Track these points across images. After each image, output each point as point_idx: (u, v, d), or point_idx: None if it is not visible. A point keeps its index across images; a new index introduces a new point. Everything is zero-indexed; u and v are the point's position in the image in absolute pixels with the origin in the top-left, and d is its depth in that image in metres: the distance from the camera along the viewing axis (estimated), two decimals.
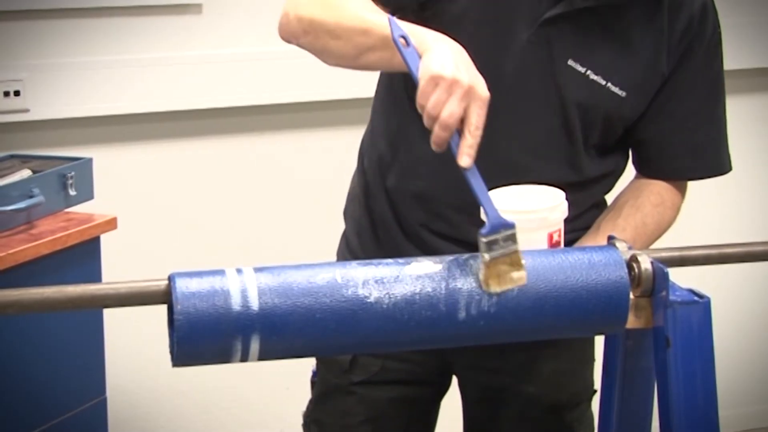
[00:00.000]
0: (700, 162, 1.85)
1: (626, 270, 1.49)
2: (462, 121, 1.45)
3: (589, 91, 1.74)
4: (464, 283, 1.44)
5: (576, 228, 1.79)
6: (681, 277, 1.51)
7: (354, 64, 1.67)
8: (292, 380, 3.15)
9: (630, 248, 1.52)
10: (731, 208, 3.53)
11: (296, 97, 3.05)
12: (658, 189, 1.85)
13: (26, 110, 2.81)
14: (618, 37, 1.74)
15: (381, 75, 1.92)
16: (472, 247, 1.48)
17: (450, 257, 1.48)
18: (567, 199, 1.62)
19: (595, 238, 1.77)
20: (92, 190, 2.53)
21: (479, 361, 1.88)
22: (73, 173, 2.48)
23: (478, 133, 1.44)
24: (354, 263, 1.44)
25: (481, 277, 1.42)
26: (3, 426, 2.29)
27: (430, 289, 1.43)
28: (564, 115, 1.76)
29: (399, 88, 1.84)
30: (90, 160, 2.54)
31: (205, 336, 1.35)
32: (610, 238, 1.56)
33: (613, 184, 1.89)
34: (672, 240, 1.65)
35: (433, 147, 1.46)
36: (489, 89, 1.53)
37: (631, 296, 1.49)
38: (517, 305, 1.45)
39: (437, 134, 1.44)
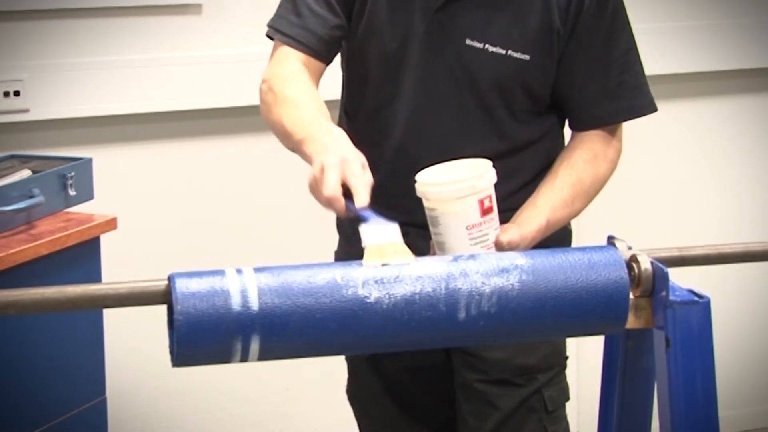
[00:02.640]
0: (618, 105, 1.94)
1: (626, 270, 1.49)
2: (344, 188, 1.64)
3: (493, 63, 1.88)
4: (464, 283, 1.44)
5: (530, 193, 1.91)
6: (681, 277, 1.51)
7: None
8: (292, 380, 3.15)
9: (630, 248, 1.52)
10: (731, 208, 3.53)
11: None
12: (590, 144, 1.93)
13: (26, 110, 2.81)
14: (507, 5, 1.87)
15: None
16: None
17: (450, 257, 1.48)
18: (501, 166, 1.73)
19: (534, 202, 1.87)
20: (92, 190, 2.53)
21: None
22: (72, 173, 2.48)
23: (360, 186, 1.63)
24: (354, 263, 1.44)
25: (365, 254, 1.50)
26: (3, 426, 2.29)
27: (430, 290, 1.43)
28: (478, 92, 1.90)
29: (348, 88, 2.05)
30: (90, 161, 2.54)
31: (204, 336, 1.35)
32: (610, 238, 1.56)
33: (553, 145, 1.99)
34: (672, 240, 1.65)
35: (342, 217, 1.70)
36: (402, 83, 1.90)
37: (631, 296, 1.49)
38: (517, 305, 1.45)
39: (335, 210, 1.64)
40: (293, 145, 1.81)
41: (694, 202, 3.48)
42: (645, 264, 1.48)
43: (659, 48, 3.21)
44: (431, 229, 1.70)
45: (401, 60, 1.91)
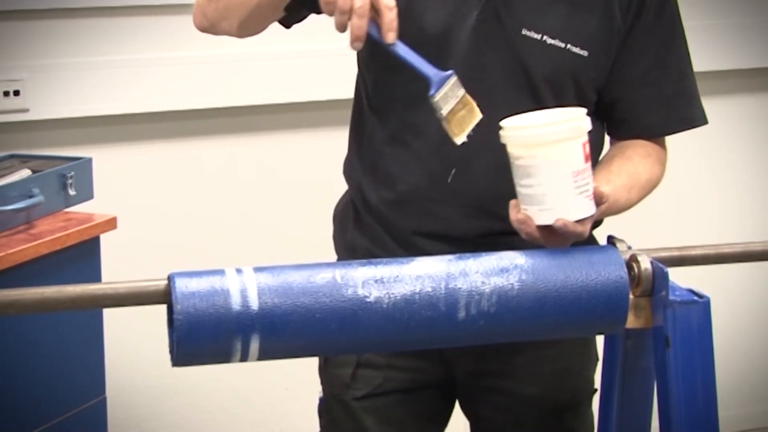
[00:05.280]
0: (672, 114, 1.83)
1: (626, 270, 1.49)
2: (372, 6, 1.53)
3: (551, 56, 1.73)
4: (464, 283, 1.44)
5: None
6: (681, 277, 1.51)
7: (252, 10, 1.71)
8: (292, 380, 3.15)
9: (630, 248, 1.53)
10: (731, 208, 3.53)
11: (296, 97, 3.05)
12: (643, 143, 1.82)
13: (26, 110, 2.80)
14: None
15: (354, 99, 1.91)
16: (470, 244, 1.48)
17: (450, 257, 1.48)
18: None
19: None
20: (92, 189, 2.53)
21: (479, 366, 1.85)
22: (72, 173, 2.48)
23: (393, 8, 1.54)
24: (354, 263, 1.44)
25: (447, 131, 1.52)
26: (3, 426, 2.29)
27: (429, 289, 1.43)
28: (532, 87, 1.74)
29: (364, 104, 1.85)
30: (90, 160, 2.54)
31: (204, 336, 1.36)
32: (610, 238, 1.56)
33: (595, 149, 1.83)
34: (672, 240, 1.65)
35: (353, 43, 1.55)
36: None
37: (631, 296, 1.49)
38: (517, 305, 1.45)
39: (355, 25, 1.52)
40: None
41: (694, 202, 3.48)
42: (645, 264, 1.48)
43: None
44: (524, 181, 1.54)
45: (444, 47, 1.72)
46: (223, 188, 3.06)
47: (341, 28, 1.54)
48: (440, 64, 1.63)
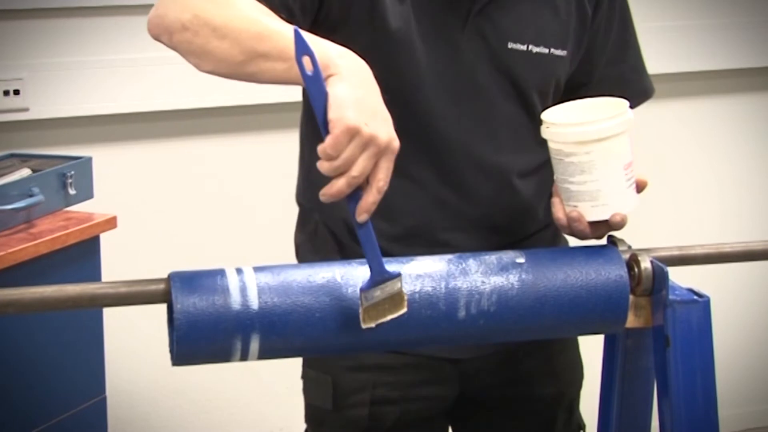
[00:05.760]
0: (632, 89, 1.81)
1: (626, 269, 1.49)
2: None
3: (537, 64, 1.70)
4: (464, 282, 1.44)
5: (542, 185, 1.77)
6: (681, 277, 1.51)
7: (237, 71, 1.48)
8: (292, 380, 3.15)
9: (630, 247, 1.53)
10: (731, 207, 3.53)
11: (297, 96, 3.04)
12: None
13: (26, 109, 2.80)
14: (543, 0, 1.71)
15: (303, 115, 1.81)
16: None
17: (449, 256, 1.48)
18: (546, 175, 1.63)
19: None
20: (92, 189, 2.53)
21: (494, 378, 1.82)
22: (72, 172, 2.48)
23: (384, 187, 1.36)
24: (354, 262, 1.44)
25: (359, 313, 1.38)
26: (3, 425, 2.29)
27: (429, 288, 1.43)
28: (523, 98, 1.71)
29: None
30: (89, 160, 2.54)
31: (204, 335, 1.35)
32: (610, 238, 1.56)
33: None
34: (672, 239, 1.65)
35: (325, 197, 1.35)
36: (437, 98, 1.58)
37: (631, 295, 1.49)
38: (517, 304, 1.45)
39: (340, 188, 1.34)
40: (268, 47, 1.43)
41: (694, 201, 3.48)
42: (645, 263, 1.48)
43: (659, 47, 3.21)
44: (575, 178, 1.52)
45: (433, 72, 1.65)
46: (223, 188, 3.06)
47: (329, 173, 1.34)
48: (431, 89, 1.60)
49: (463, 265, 1.46)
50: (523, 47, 1.69)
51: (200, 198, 3.04)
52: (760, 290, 3.61)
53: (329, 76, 1.35)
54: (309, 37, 1.36)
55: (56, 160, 2.52)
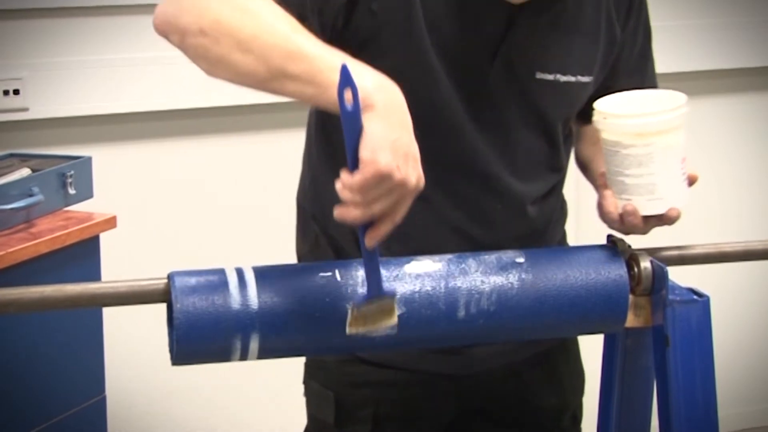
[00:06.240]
0: None
1: (626, 269, 1.49)
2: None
3: (564, 94, 1.66)
4: (463, 282, 1.44)
5: (550, 210, 1.76)
6: (681, 276, 1.51)
7: (258, 86, 1.42)
8: (292, 380, 3.15)
9: (629, 247, 1.53)
10: (731, 207, 3.53)
11: None
12: None
13: (26, 109, 2.80)
14: (571, 25, 1.65)
15: (314, 118, 1.75)
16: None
17: (449, 256, 1.48)
18: (553, 200, 1.64)
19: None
20: (91, 188, 2.53)
21: (497, 390, 1.80)
22: (72, 172, 2.48)
23: (399, 221, 1.33)
24: (354, 262, 1.44)
25: (348, 318, 1.38)
26: (3, 425, 2.29)
27: (429, 288, 1.43)
28: (546, 127, 1.68)
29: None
30: (89, 159, 2.54)
31: (204, 334, 1.35)
32: (610, 237, 1.56)
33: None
34: (672, 239, 1.65)
35: (338, 217, 1.31)
36: (458, 124, 1.55)
37: (631, 295, 1.49)
38: (517, 304, 1.45)
39: (356, 218, 1.30)
40: (299, 70, 1.35)
41: (694, 200, 3.47)
42: (645, 263, 1.48)
43: (658, 46, 3.19)
44: (632, 171, 1.49)
45: (456, 103, 1.60)
46: (223, 187, 3.06)
47: (349, 202, 1.30)
48: (453, 115, 1.58)
49: (463, 264, 1.46)
50: (551, 77, 1.64)
51: (200, 198, 3.04)
52: (759, 290, 3.61)
53: (366, 110, 1.30)
54: (348, 61, 1.33)
55: (56, 160, 2.52)
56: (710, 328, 1.47)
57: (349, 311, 1.38)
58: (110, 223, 2.47)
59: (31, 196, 2.38)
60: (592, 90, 1.70)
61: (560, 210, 1.80)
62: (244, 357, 1.38)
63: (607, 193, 1.55)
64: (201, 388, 3.11)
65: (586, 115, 1.69)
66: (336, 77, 1.28)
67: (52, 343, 2.38)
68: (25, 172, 2.47)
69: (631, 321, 1.50)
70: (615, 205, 1.54)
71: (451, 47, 1.58)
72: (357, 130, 1.29)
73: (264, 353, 1.39)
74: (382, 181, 1.28)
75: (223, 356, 1.38)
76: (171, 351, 1.38)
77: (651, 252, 1.52)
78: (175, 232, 3.01)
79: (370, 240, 1.33)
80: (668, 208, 1.51)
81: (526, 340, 1.70)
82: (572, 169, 1.80)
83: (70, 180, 2.47)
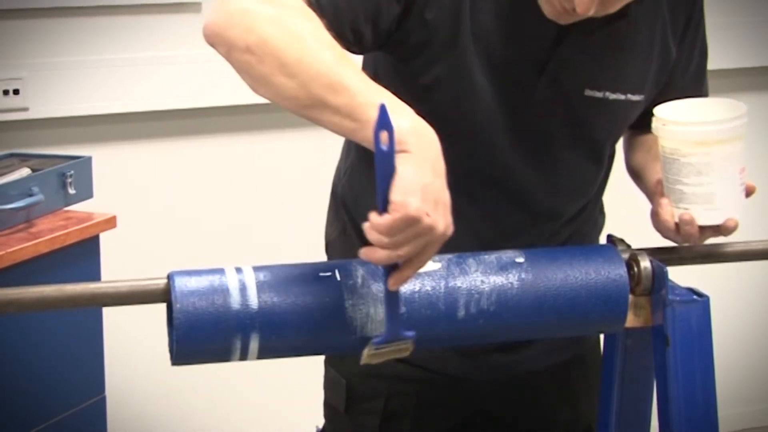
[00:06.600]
0: None
1: (625, 269, 1.49)
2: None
3: (613, 112, 1.64)
4: (463, 282, 1.44)
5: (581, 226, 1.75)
6: (681, 276, 1.51)
7: (298, 112, 1.41)
8: (292, 380, 3.15)
9: (629, 247, 1.53)
10: None
11: None
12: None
13: (25, 109, 2.81)
14: (624, 44, 1.63)
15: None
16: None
17: (449, 255, 1.47)
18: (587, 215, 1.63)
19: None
20: (91, 188, 2.53)
21: (510, 399, 1.79)
22: (72, 172, 2.48)
23: (421, 267, 1.33)
24: (354, 261, 1.44)
25: (363, 352, 1.39)
26: (2, 424, 2.29)
27: (429, 288, 1.43)
28: (593, 146, 1.66)
29: None
30: (89, 159, 2.54)
31: (204, 334, 1.35)
32: (610, 237, 1.56)
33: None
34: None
35: (364, 256, 1.30)
36: (499, 139, 1.54)
37: (631, 295, 1.49)
38: (517, 304, 1.45)
39: (380, 259, 1.29)
40: (340, 102, 1.35)
41: None
42: (644, 263, 1.48)
43: None
44: (690, 179, 1.48)
45: (498, 118, 1.58)
46: (223, 187, 3.06)
47: (375, 244, 1.29)
48: (495, 131, 1.57)
49: (463, 264, 1.46)
50: (600, 94, 1.61)
51: (200, 198, 3.04)
52: (759, 290, 3.61)
53: (400, 151, 1.29)
54: (386, 97, 1.33)
55: (56, 160, 2.53)
56: (710, 328, 1.47)
57: (366, 349, 1.38)
58: (110, 223, 2.47)
59: (31, 195, 2.39)
60: (643, 108, 1.67)
61: (593, 224, 1.78)
62: (243, 357, 1.38)
63: (664, 201, 1.54)
64: (201, 388, 3.11)
65: (639, 124, 1.69)
66: (374, 113, 1.28)
67: (52, 343, 2.38)
68: (25, 171, 2.47)
69: (631, 321, 1.50)
70: (672, 213, 1.53)
71: (497, 60, 1.56)
72: (389, 171, 1.28)
73: (264, 353, 1.39)
74: (411, 225, 1.27)
75: (223, 356, 1.38)
76: (171, 351, 1.38)
77: (651, 252, 1.52)
78: (175, 232, 3.01)
79: (394, 283, 1.33)
80: (726, 218, 1.51)
81: (525, 340, 1.70)
82: None
83: (70, 180, 2.47)
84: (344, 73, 1.36)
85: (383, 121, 1.27)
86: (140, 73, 2.89)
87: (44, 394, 2.38)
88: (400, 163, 1.29)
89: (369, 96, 1.34)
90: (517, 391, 1.78)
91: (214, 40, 1.45)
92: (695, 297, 1.47)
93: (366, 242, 1.67)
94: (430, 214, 1.28)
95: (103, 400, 2.51)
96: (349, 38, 1.48)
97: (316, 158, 3.09)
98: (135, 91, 2.90)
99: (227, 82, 2.98)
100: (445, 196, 1.32)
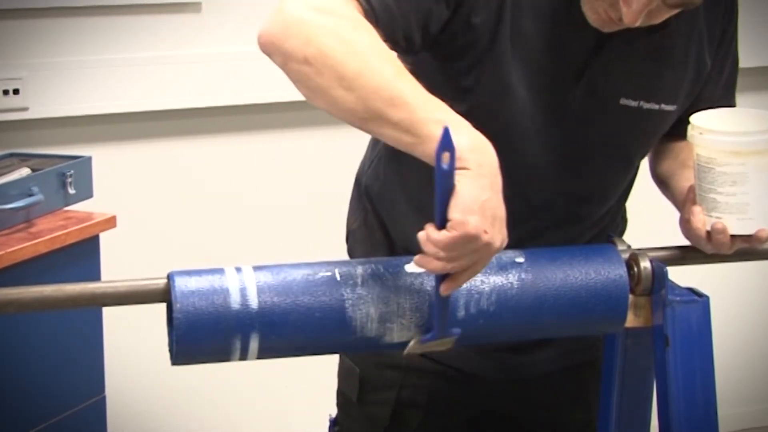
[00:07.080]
0: None
1: (625, 269, 1.49)
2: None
3: (647, 121, 1.64)
4: None
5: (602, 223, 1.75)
6: (681, 277, 1.51)
7: (354, 123, 1.40)
8: (292, 379, 3.15)
9: (629, 247, 1.53)
10: None
11: (297, 96, 3.04)
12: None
13: (25, 109, 2.80)
14: (661, 54, 1.63)
15: None
16: None
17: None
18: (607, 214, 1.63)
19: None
20: (91, 188, 2.53)
21: (523, 398, 1.79)
22: (72, 172, 2.48)
23: (473, 276, 1.36)
24: (353, 261, 1.44)
25: (409, 343, 1.42)
26: (2, 424, 2.29)
27: (429, 288, 1.43)
28: (624, 155, 1.67)
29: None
30: (89, 159, 2.54)
31: (204, 334, 1.35)
32: (610, 237, 1.56)
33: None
34: (672, 239, 1.65)
35: (418, 264, 1.34)
36: (532, 146, 1.55)
37: (631, 295, 1.49)
38: (517, 304, 1.45)
39: (434, 269, 1.33)
40: (399, 117, 1.35)
41: None
42: (644, 263, 1.48)
43: None
44: (725, 189, 1.47)
45: (532, 125, 1.59)
46: (222, 187, 3.06)
47: (431, 255, 1.32)
48: (528, 138, 1.57)
49: None
50: (635, 104, 1.62)
51: (200, 197, 3.04)
52: (759, 290, 3.61)
53: (459, 169, 1.31)
54: (449, 115, 1.34)
55: (56, 160, 2.53)
56: (710, 328, 1.47)
57: (413, 342, 1.41)
58: (110, 222, 2.47)
59: (30, 195, 2.39)
60: (675, 118, 1.68)
61: (614, 229, 1.77)
62: (243, 357, 1.38)
63: (696, 209, 1.53)
64: (201, 388, 3.11)
65: (668, 132, 1.69)
66: (434, 129, 1.30)
67: (52, 342, 2.38)
68: (25, 171, 2.47)
69: (631, 321, 1.50)
70: (703, 222, 1.53)
71: (535, 64, 1.57)
72: (448, 189, 1.30)
73: (264, 353, 1.39)
74: (469, 242, 1.30)
75: (223, 356, 1.38)
76: (171, 351, 1.38)
77: (651, 252, 1.52)
78: (175, 231, 3.01)
79: (446, 290, 1.36)
80: (758, 228, 1.50)
81: (524, 340, 1.70)
82: None
83: (69, 180, 2.47)
84: (403, 87, 1.36)
85: (446, 142, 1.28)
86: (140, 73, 2.88)
87: (44, 394, 2.38)
88: (459, 180, 1.30)
89: (428, 111, 1.35)
90: (529, 392, 1.78)
91: (269, 49, 1.43)
92: (695, 297, 1.47)
93: (388, 233, 1.71)
94: (488, 231, 1.30)
95: (103, 400, 2.51)
96: (401, 44, 1.48)
97: (316, 158, 3.10)
98: (135, 91, 2.90)
99: (227, 82, 2.99)
100: (502, 211, 1.34)
